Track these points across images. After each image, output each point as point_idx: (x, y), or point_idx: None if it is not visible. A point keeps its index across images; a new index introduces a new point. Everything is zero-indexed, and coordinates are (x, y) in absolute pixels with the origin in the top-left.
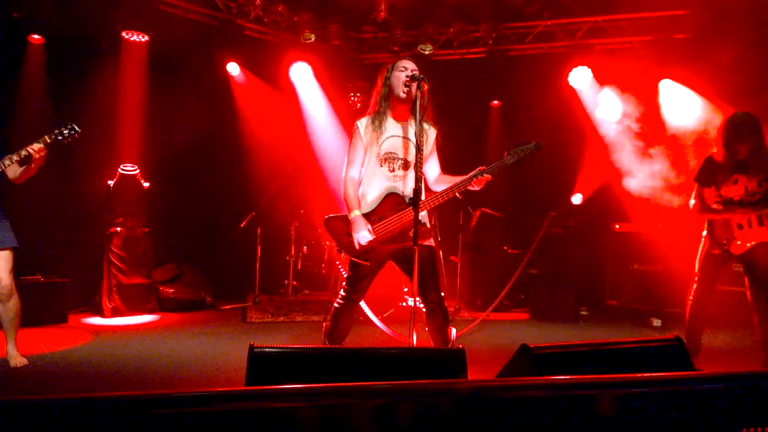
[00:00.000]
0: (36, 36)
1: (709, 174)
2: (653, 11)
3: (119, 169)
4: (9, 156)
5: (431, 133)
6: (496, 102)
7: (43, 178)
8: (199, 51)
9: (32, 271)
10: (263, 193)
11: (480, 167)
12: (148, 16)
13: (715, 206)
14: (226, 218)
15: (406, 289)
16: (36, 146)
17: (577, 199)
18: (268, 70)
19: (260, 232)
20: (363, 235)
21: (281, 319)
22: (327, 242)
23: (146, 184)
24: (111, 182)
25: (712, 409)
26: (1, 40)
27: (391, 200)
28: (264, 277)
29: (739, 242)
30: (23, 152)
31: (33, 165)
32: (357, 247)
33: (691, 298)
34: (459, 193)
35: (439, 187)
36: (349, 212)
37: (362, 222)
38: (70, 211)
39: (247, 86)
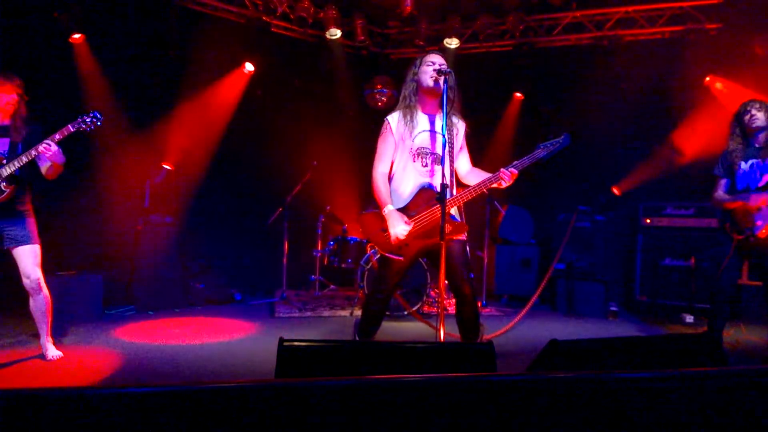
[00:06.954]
0: (76, 36)
1: (725, 164)
2: (685, 1)
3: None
4: (28, 152)
5: (460, 126)
6: (519, 95)
7: (74, 173)
8: (225, 47)
9: (66, 266)
10: (290, 189)
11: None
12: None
13: (730, 196)
14: (254, 214)
15: (430, 288)
16: (42, 146)
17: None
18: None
19: (287, 228)
20: (402, 229)
21: (309, 314)
22: (351, 238)
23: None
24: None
25: (745, 405)
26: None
27: (424, 195)
28: (291, 272)
29: (759, 224)
30: (33, 152)
31: (49, 163)
32: (393, 242)
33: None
34: (486, 189)
35: (470, 181)
36: (382, 207)
37: (398, 216)
38: (103, 205)
39: (273, 81)
